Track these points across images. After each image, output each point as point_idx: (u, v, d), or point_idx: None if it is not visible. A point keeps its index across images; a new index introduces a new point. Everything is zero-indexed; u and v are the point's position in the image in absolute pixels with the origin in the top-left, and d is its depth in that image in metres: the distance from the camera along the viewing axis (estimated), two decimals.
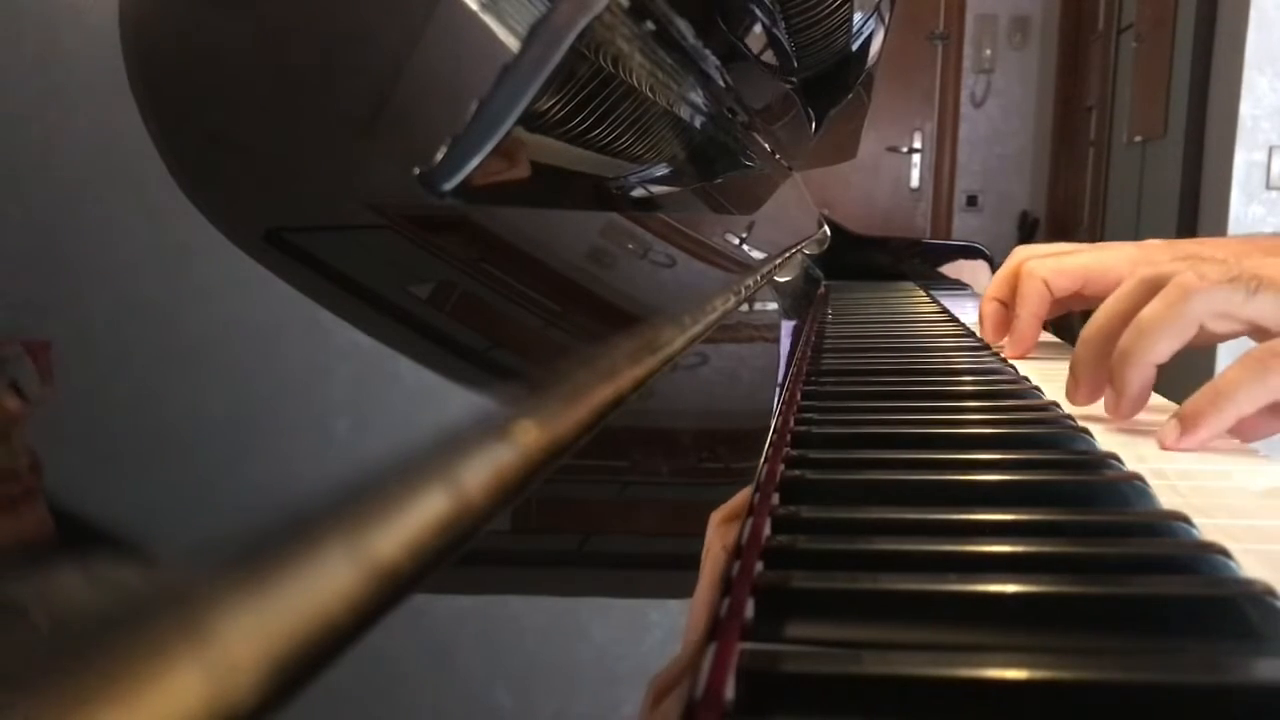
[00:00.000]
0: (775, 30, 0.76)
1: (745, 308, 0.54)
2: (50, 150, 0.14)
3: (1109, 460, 0.36)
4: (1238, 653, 0.23)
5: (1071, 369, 0.51)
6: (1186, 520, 0.29)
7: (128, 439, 0.12)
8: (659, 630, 0.19)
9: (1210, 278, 0.45)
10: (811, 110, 1.12)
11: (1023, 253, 0.71)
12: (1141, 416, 0.47)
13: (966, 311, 0.93)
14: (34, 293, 0.12)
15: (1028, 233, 4.64)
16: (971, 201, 4.74)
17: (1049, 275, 0.65)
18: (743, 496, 0.29)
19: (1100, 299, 0.52)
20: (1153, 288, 0.47)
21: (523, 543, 0.19)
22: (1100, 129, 3.91)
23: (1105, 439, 0.42)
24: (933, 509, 0.31)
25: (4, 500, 0.10)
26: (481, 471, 0.16)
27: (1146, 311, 0.46)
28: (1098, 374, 0.50)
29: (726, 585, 0.24)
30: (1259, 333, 0.47)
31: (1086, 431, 0.41)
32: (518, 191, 0.32)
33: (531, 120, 0.33)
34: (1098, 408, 0.50)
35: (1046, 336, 0.71)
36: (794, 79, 0.93)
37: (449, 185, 0.26)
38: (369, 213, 0.22)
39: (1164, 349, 0.46)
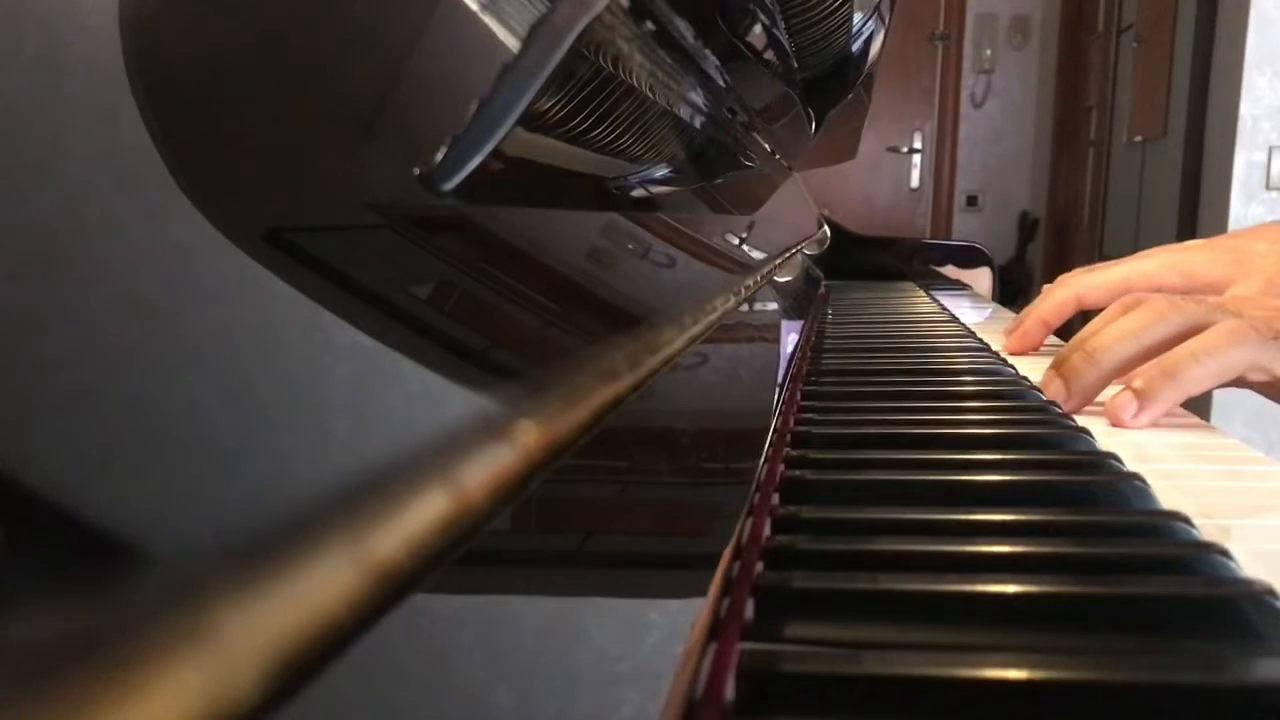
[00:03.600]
0: (775, 30, 0.76)
1: (745, 308, 0.54)
2: (50, 150, 0.14)
3: (1109, 460, 0.36)
4: (1238, 653, 0.23)
5: (1073, 375, 0.51)
6: (1186, 520, 0.29)
7: (127, 438, 0.12)
8: (659, 630, 0.19)
9: (1261, 331, 0.47)
10: (811, 110, 1.12)
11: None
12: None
13: (965, 312, 0.93)
14: (33, 293, 0.12)
15: (1028, 233, 4.64)
16: (971, 201, 4.74)
17: (1084, 290, 0.65)
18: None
19: None
20: (1193, 325, 0.48)
21: (523, 543, 0.19)
22: (1100, 129, 3.91)
23: (1105, 439, 0.42)
24: (933, 509, 0.31)
25: None
26: (481, 471, 0.16)
27: (1204, 342, 0.47)
28: (1100, 388, 0.51)
29: (726, 585, 0.24)
30: (1275, 385, 0.48)
31: (1086, 431, 0.41)
32: (518, 191, 0.32)
33: (531, 120, 0.33)
34: (1098, 408, 0.50)
35: (1052, 339, 0.72)
36: (794, 79, 0.93)
37: (449, 185, 0.26)
38: (369, 213, 0.22)
39: (1208, 383, 0.47)
